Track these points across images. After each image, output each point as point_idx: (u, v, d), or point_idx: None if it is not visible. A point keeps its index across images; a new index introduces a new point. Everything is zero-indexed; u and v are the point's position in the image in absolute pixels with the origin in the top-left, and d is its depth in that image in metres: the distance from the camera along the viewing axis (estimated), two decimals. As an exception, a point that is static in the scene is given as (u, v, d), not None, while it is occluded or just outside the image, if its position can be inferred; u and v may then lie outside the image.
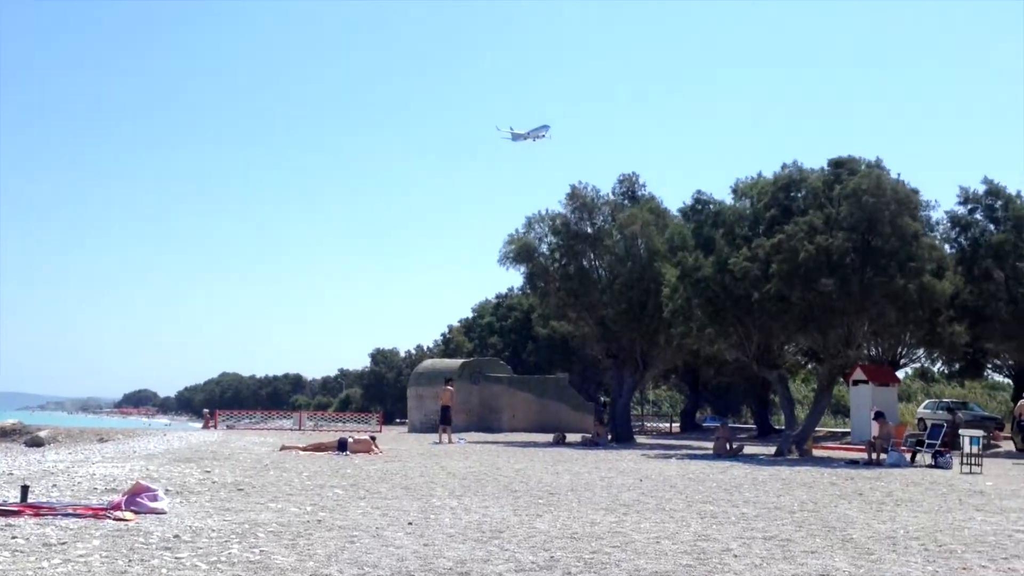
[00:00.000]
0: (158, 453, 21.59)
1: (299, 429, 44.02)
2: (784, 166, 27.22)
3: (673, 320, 27.78)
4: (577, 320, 34.98)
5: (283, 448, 23.52)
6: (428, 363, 48.90)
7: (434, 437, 30.99)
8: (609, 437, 32.26)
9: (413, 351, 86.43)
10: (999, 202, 29.56)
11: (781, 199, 26.49)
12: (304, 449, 22.96)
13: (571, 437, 32.40)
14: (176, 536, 8.35)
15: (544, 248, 33.64)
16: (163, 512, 9.86)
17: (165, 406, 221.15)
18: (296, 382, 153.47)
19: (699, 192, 32.57)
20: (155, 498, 10.24)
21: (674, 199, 68.23)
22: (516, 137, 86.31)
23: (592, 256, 33.09)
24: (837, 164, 26.29)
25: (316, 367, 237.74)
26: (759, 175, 27.87)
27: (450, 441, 29.42)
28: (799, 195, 26.44)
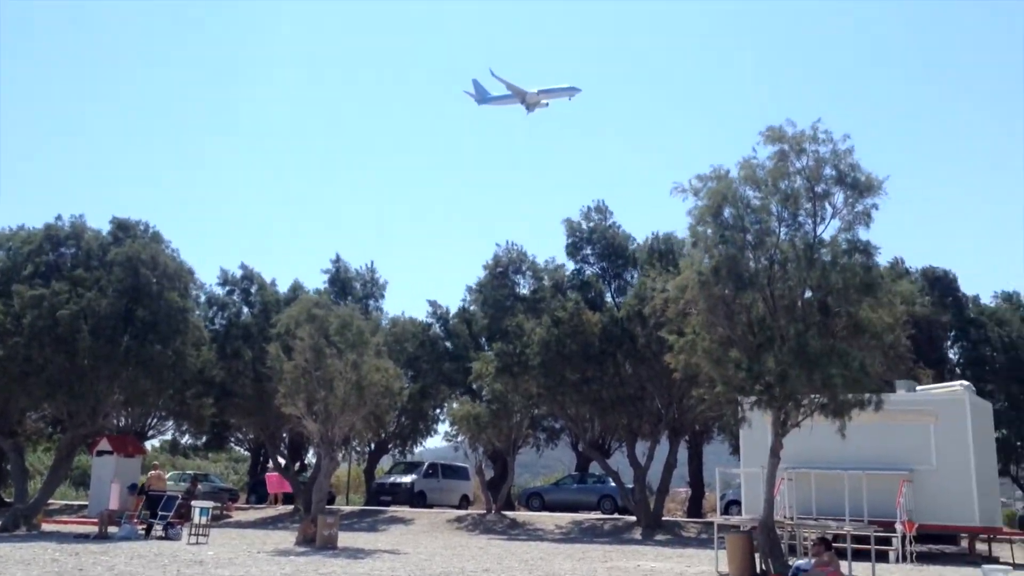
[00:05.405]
0: None
1: None
2: (58, 217, 26.47)
3: None
4: None
5: None
6: None
7: None
8: None
9: None
10: (254, 286, 32.02)
11: (48, 252, 25.51)
12: None
13: None
14: None
15: None
16: None
17: None
18: None
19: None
20: None
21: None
22: (495, 98, 55.31)
23: None
24: (121, 226, 26.32)
25: None
26: (21, 226, 26.35)
27: None
28: (70, 252, 25.73)
